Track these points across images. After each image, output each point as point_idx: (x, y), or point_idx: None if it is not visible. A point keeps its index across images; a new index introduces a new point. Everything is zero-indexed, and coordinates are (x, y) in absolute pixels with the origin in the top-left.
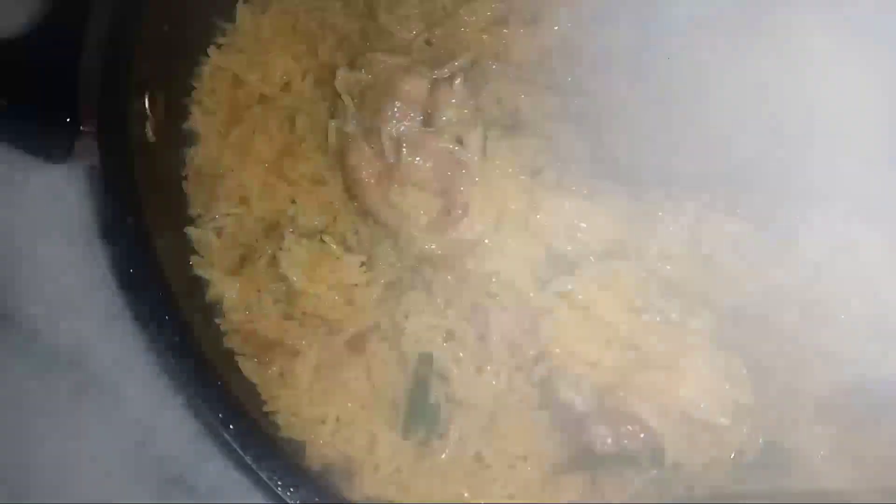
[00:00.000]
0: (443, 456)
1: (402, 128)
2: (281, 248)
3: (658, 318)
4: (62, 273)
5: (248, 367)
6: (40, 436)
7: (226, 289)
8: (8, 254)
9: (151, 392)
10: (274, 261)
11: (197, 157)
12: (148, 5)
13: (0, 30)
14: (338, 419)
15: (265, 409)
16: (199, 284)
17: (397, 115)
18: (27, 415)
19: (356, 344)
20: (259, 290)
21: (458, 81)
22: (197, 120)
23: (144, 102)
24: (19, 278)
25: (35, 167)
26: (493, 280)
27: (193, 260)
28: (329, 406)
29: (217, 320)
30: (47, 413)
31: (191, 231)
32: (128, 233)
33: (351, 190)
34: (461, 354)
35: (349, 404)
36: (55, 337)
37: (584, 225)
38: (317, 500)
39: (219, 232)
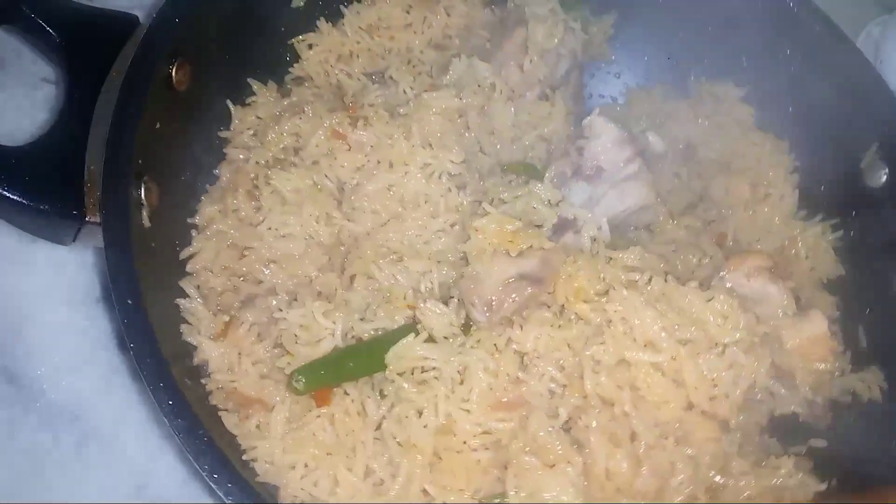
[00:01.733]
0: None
1: None
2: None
3: None
4: (65, 336)
5: (230, 421)
6: (49, 482)
7: (211, 352)
8: (16, 319)
9: (147, 443)
10: (253, 327)
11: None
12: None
13: (14, 138)
14: (306, 465)
15: (244, 457)
16: (187, 349)
17: None
18: (37, 464)
19: (323, 396)
20: (240, 354)
21: None
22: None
23: (141, 193)
24: (26, 341)
25: (41, 244)
26: None
27: (183, 329)
28: (298, 454)
29: (203, 380)
30: (54, 463)
31: (181, 302)
32: (125, 307)
33: None
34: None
35: (315, 451)
36: (59, 394)
37: None
38: None
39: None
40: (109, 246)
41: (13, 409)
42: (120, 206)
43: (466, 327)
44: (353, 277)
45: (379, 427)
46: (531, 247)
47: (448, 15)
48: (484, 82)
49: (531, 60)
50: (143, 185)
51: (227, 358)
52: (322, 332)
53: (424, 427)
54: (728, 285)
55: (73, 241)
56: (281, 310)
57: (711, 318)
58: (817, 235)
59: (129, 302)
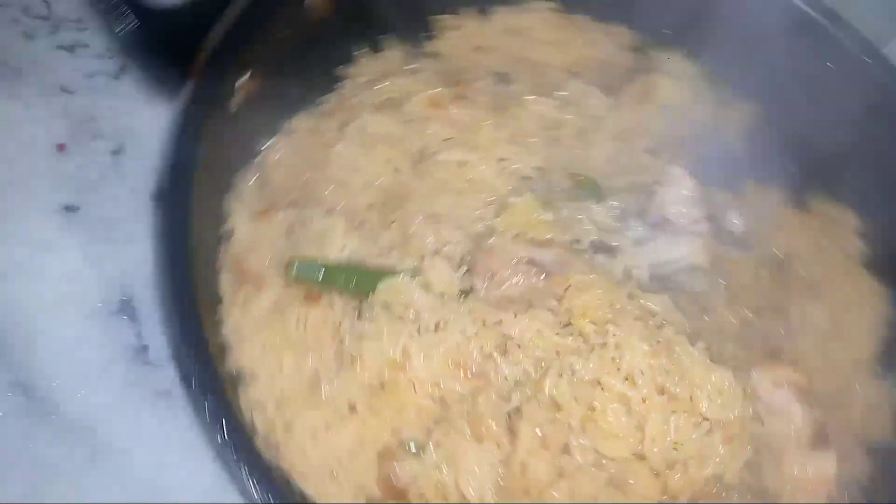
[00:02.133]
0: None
1: None
2: None
3: None
4: (80, 349)
5: (225, 283)
6: (62, 495)
7: (241, 224)
8: (30, 332)
9: (160, 459)
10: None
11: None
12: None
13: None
14: (263, 345)
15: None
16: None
17: None
18: (50, 476)
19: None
20: (264, 236)
21: None
22: None
23: (240, 80)
24: (41, 354)
25: (51, 254)
26: None
27: (226, 197)
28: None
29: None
30: (68, 476)
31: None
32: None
33: None
34: None
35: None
36: (73, 407)
37: None
38: None
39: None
40: (190, 103)
41: (27, 421)
42: (215, 79)
43: (465, 296)
44: (391, 223)
45: (342, 342)
46: (552, 240)
47: (592, 48)
48: (594, 110)
49: (647, 110)
50: (246, 75)
51: (251, 234)
52: (335, 246)
53: (380, 353)
54: (751, 381)
55: (169, 98)
56: (313, 218)
57: (706, 387)
58: (885, 394)
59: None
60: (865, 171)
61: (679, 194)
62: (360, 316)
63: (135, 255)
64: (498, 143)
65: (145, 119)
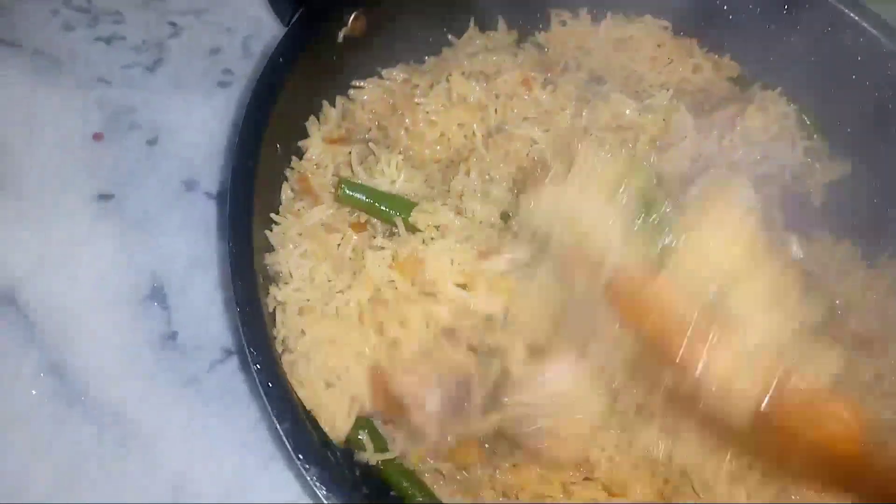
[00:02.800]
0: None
1: None
2: None
3: None
4: (110, 335)
5: (286, 191)
6: (92, 479)
7: (315, 145)
8: (65, 318)
9: (185, 444)
10: (356, 152)
11: None
12: None
13: None
14: (303, 254)
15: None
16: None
17: None
18: (79, 459)
19: (358, 225)
20: (332, 158)
21: None
22: None
23: (350, 17)
24: (73, 338)
25: (85, 241)
26: None
27: (311, 121)
28: (304, 241)
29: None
30: (98, 459)
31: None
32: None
33: None
34: None
35: (317, 249)
36: (102, 392)
37: None
38: None
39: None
40: (297, 22)
41: (59, 404)
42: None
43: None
44: (449, 178)
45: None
46: None
47: (693, 72)
48: (676, 126)
49: (731, 140)
50: (355, 13)
51: (321, 156)
52: (388, 179)
53: (381, 260)
54: None
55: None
56: (380, 156)
57: None
58: None
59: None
60: None
61: None
62: (391, 233)
63: (166, 244)
64: (572, 130)
65: (179, 111)
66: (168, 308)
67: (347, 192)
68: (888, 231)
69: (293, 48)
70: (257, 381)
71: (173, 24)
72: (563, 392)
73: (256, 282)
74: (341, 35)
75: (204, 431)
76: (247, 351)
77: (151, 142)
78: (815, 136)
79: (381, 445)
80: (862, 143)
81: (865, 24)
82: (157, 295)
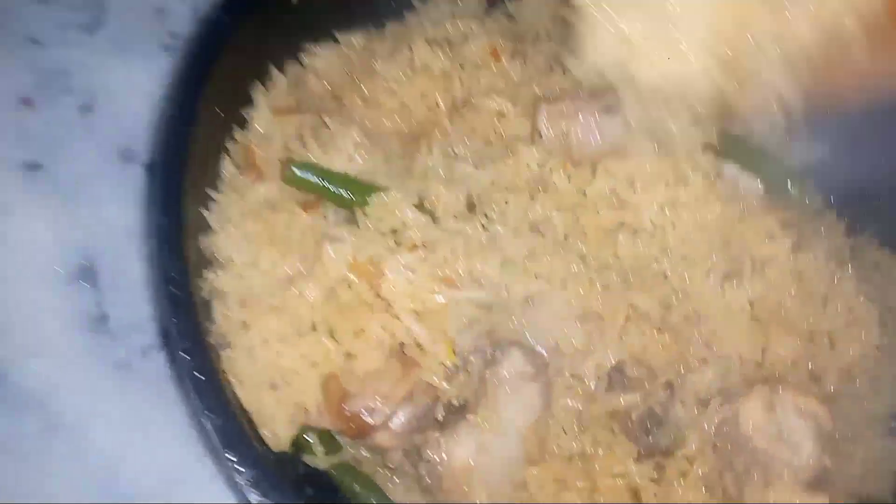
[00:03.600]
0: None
1: None
2: None
3: None
4: (34, 317)
5: (229, 167)
6: (13, 470)
7: (262, 115)
8: None
9: (117, 436)
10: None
11: None
12: None
13: None
14: (245, 236)
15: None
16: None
17: None
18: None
19: (309, 205)
20: (280, 131)
21: None
22: None
23: None
24: None
25: (9, 214)
26: None
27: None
28: (249, 224)
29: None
30: (18, 451)
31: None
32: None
33: None
34: None
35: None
36: (25, 377)
37: None
38: None
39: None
40: None
41: None
42: None
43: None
44: (410, 153)
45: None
46: None
47: None
48: None
49: None
50: None
51: (268, 128)
52: (343, 156)
53: (343, 255)
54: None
55: None
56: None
57: None
58: (890, 453)
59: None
60: None
61: None
62: (349, 222)
63: (99, 219)
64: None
65: (118, 76)
66: (99, 288)
67: (297, 173)
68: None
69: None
70: (185, 372)
71: None
72: None
73: (186, 264)
74: None
75: (136, 422)
76: (173, 339)
77: (86, 108)
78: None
79: (331, 449)
80: None
81: None
82: (88, 274)
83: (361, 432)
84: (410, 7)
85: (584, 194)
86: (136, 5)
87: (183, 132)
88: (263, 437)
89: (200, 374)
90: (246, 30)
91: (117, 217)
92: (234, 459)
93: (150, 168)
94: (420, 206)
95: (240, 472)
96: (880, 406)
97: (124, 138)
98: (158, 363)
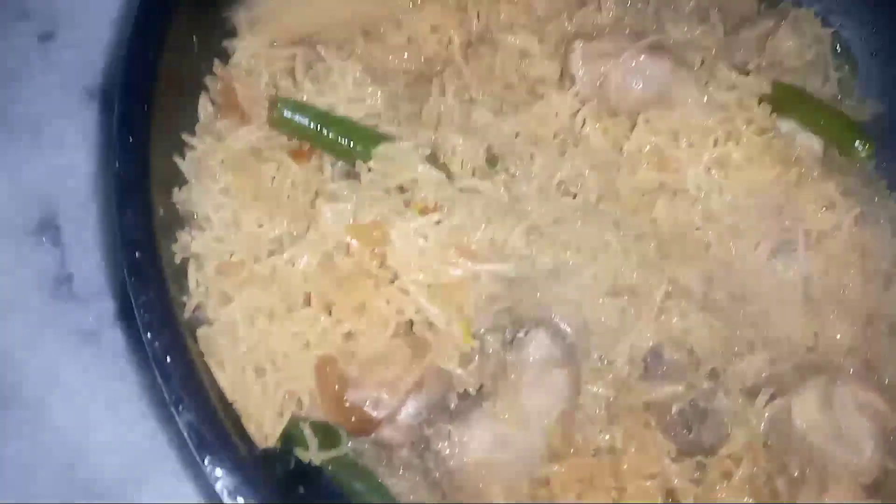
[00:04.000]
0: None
1: None
2: None
3: None
4: None
5: (204, 105)
6: None
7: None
8: None
9: (80, 411)
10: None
11: None
12: None
13: None
14: (227, 190)
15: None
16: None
17: None
18: None
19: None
20: (265, 62)
21: None
22: None
23: None
24: None
25: None
26: None
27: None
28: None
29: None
30: None
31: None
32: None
33: None
34: None
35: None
36: None
37: None
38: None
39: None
40: None
41: None
42: None
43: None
44: (420, 96)
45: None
46: None
47: None
48: None
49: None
50: None
51: (253, 59)
52: (343, 96)
53: (342, 216)
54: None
55: None
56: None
57: None
58: None
59: None
60: None
61: None
62: (350, 175)
63: (63, 160)
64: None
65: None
66: (62, 245)
67: (287, 115)
68: None
69: None
70: (151, 355)
71: None
72: None
73: (153, 223)
74: None
75: (105, 398)
76: (138, 316)
77: (46, 36)
78: (846, 67)
79: (328, 442)
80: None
81: None
82: (49, 227)
83: (364, 427)
84: None
85: (621, 151)
86: None
87: (148, 63)
88: (248, 432)
89: (169, 357)
90: None
91: (83, 163)
92: (210, 462)
93: (111, 106)
94: (433, 160)
95: (217, 477)
96: None
97: (90, 71)
98: (131, 332)
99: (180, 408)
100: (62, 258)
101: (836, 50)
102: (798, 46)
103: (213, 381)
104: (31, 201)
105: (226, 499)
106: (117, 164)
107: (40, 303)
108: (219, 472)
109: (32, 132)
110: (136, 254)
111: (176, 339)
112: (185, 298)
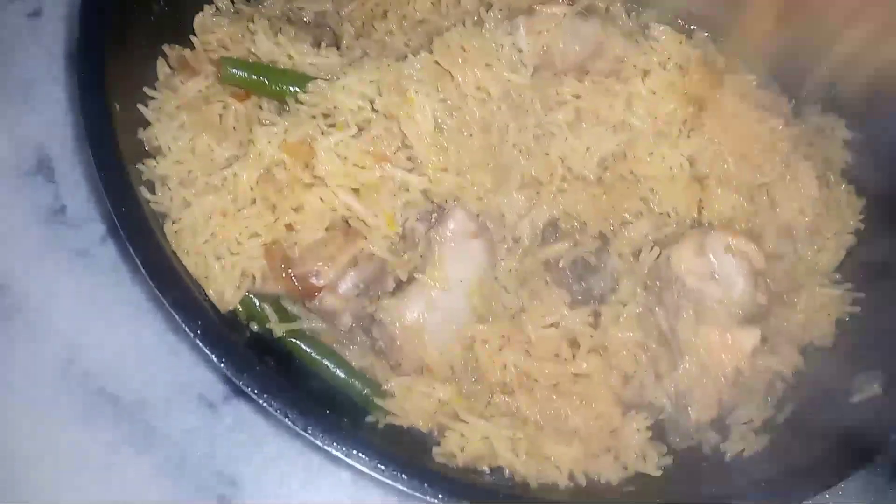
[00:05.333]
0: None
1: None
2: None
3: None
4: None
5: (161, 67)
6: None
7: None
8: None
9: (76, 317)
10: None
11: None
12: None
13: None
14: (182, 125)
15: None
16: None
17: None
18: None
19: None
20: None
21: None
22: None
23: None
24: None
25: None
26: None
27: None
28: (185, 114)
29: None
30: None
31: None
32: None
33: None
34: None
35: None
36: None
37: None
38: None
39: None
40: None
41: None
42: None
43: None
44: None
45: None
46: None
47: None
48: None
49: None
50: None
51: (208, 23)
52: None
53: (271, 136)
54: (700, 237)
55: None
56: None
57: None
58: (833, 302)
59: None
60: None
61: None
62: (282, 110)
63: (52, 115)
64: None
65: None
66: (55, 181)
67: (230, 70)
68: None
69: None
70: (130, 250)
71: None
72: None
73: (119, 151)
74: None
75: (95, 303)
76: (115, 220)
77: (34, 14)
78: None
79: (286, 317)
80: None
81: None
82: (43, 168)
83: (308, 293)
84: None
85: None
86: None
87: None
88: (211, 298)
89: (146, 251)
90: None
91: (69, 116)
92: (183, 318)
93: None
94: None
95: (192, 330)
96: (822, 259)
97: (73, 40)
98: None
99: (163, 290)
100: (56, 192)
101: None
102: None
103: (181, 264)
104: (27, 148)
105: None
106: (87, 108)
107: (38, 229)
108: (195, 330)
109: (25, 94)
110: (113, 177)
111: (149, 236)
112: (155, 206)
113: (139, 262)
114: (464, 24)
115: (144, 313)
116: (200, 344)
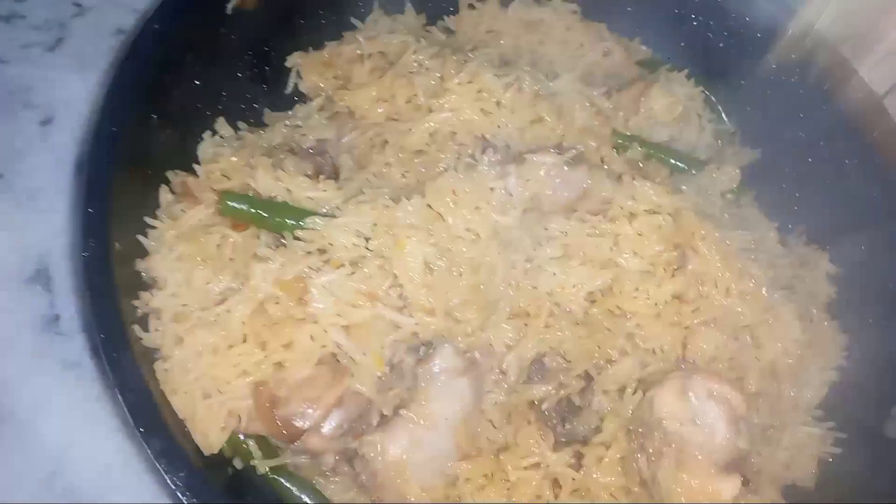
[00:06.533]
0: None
1: None
2: None
3: None
4: None
5: (165, 195)
6: None
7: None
8: None
9: (64, 430)
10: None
11: None
12: None
13: None
14: (179, 256)
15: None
16: None
17: None
18: None
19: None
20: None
21: None
22: None
23: None
24: None
25: None
26: None
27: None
28: (183, 244)
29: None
30: None
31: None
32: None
33: None
34: None
35: (195, 251)
36: None
37: None
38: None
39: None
40: None
41: None
42: None
43: None
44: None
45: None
46: None
47: (603, 55)
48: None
49: (636, 121)
50: None
51: (211, 152)
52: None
53: (268, 272)
54: (682, 381)
55: None
56: None
57: None
58: (815, 440)
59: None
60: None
61: None
62: (280, 243)
63: (55, 225)
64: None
65: (78, 90)
66: (52, 291)
67: (229, 203)
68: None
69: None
70: (115, 387)
71: (78, 5)
72: None
73: (114, 285)
74: (230, 6)
75: (83, 415)
76: (102, 356)
77: (46, 122)
78: (724, 120)
79: (268, 454)
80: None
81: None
82: (41, 277)
83: (292, 436)
84: (350, 28)
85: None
86: (98, 25)
87: (111, 135)
88: (196, 440)
89: (129, 389)
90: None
91: (70, 226)
92: (166, 468)
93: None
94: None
95: (173, 480)
96: (805, 396)
97: (81, 150)
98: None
99: (140, 427)
100: (51, 301)
101: (716, 105)
102: (668, 103)
103: (168, 405)
104: (30, 255)
105: (181, 494)
106: (84, 248)
107: (33, 338)
108: (172, 474)
109: (31, 199)
110: (99, 308)
111: (136, 375)
112: (146, 341)
113: (126, 411)
114: (456, 169)
115: (132, 429)
116: (181, 497)
